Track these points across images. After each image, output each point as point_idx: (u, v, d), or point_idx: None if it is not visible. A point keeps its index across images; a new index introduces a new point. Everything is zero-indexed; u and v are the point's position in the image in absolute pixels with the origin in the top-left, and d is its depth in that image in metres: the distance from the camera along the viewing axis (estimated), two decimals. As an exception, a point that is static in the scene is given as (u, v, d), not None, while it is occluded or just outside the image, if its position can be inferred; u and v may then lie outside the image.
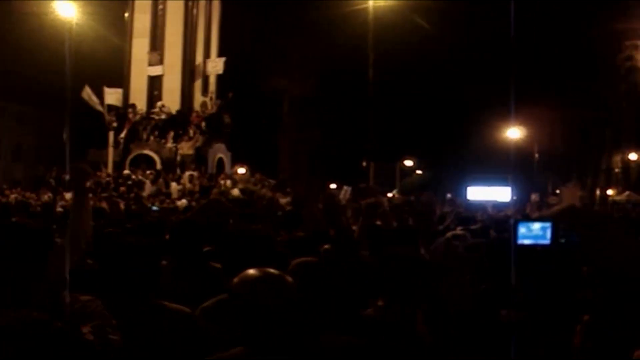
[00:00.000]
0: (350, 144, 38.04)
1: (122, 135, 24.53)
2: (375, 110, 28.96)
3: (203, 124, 24.53)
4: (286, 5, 36.38)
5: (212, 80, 27.31)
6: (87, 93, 24.97)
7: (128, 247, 3.30)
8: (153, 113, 24.66)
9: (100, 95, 25.35)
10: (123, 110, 25.02)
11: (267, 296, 2.48)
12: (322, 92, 37.75)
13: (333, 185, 21.59)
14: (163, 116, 24.37)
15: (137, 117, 24.63)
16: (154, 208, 12.71)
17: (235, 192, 19.81)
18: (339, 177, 26.30)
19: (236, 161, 26.58)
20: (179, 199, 18.13)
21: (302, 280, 3.45)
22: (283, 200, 14.34)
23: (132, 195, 18.44)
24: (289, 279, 2.58)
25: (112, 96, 25.46)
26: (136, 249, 3.30)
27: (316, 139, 38.50)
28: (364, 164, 32.21)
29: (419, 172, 55.46)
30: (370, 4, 29.22)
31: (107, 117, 25.02)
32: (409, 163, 53.86)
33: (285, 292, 2.53)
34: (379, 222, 7.32)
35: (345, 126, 38.44)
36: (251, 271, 2.56)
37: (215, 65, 26.41)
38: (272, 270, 2.58)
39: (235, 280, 2.57)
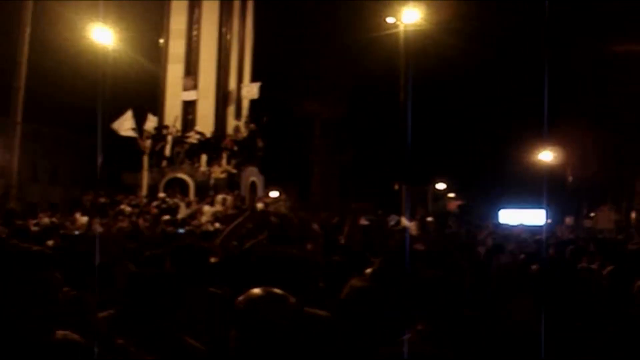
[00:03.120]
0: (382, 167, 38.07)
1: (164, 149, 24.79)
2: (408, 132, 28.95)
3: (236, 148, 24.75)
4: (318, 29, 36.70)
5: (245, 105, 27.60)
6: (120, 124, 25.36)
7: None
8: (187, 137, 24.94)
9: (141, 120, 25.70)
10: (158, 133, 25.35)
11: (270, 315, 2.54)
12: (353, 114, 37.91)
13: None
14: (195, 140, 24.63)
15: (171, 136, 24.92)
16: (180, 231, 12.78)
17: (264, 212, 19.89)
18: (370, 199, 26.31)
19: (269, 185, 26.74)
20: (212, 222, 18.26)
21: (355, 305, 3.51)
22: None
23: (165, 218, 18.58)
24: (292, 299, 2.63)
25: (150, 123, 25.83)
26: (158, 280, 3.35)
27: (348, 161, 38.58)
28: (396, 186, 32.17)
29: (450, 195, 55.21)
30: (401, 28, 29.36)
31: (141, 141, 25.33)
32: (440, 186, 53.66)
33: (288, 312, 2.58)
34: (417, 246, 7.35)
35: (377, 149, 38.50)
36: (256, 290, 2.62)
37: (250, 90, 26.71)
38: (276, 290, 2.64)
39: (241, 298, 2.64)
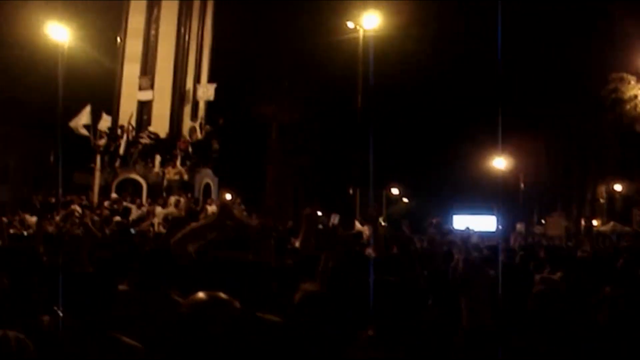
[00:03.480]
0: (337, 171, 38.22)
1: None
2: (362, 137, 29.13)
3: (190, 149, 24.57)
4: (277, 33, 36.68)
5: (202, 106, 27.42)
6: (78, 121, 24.99)
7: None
8: (141, 137, 24.66)
9: (95, 119, 25.35)
10: (112, 132, 25.04)
11: (213, 319, 2.54)
12: (310, 118, 37.97)
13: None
14: (149, 141, 24.38)
15: (125, 136, 24.63)
16: (132, 231, 12.66)
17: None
18: (325, 203, 26.35)
19: (223, 187, 26.61)
20: (165, 224, 18.07)
21: (308, 309, 3.52)
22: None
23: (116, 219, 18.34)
24: (237, 304, 2.63)
25: (104, 122, 25.51)
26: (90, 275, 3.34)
27: (303, 165, 38.61)
28: (351, 190, 32.35)
29: (405, 200, 55.67)
30: (360, 33, 29.58)
31: (94, 140, 24.98)
32: (395, 191, 54.08)
33: (232, 316, 2.58)
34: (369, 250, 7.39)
35: (332, 153, 38.63)
36: (200, 294, 2.62)
37: (206, 91, 26.53)
38: (221, 295, 2.63)
39: (185, 302, 2.64)
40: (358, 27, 29.73)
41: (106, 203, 21.99)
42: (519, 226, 40.67)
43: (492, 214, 36.02)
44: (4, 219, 18.42)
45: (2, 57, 32.58)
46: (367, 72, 29.22)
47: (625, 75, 37.41)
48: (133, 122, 25.37)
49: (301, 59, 36.90)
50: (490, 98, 33.97)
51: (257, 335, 3.11)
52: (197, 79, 27.49)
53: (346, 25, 30.54)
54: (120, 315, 3.46)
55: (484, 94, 37.83)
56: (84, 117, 25.18)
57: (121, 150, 24.55)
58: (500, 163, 43.08)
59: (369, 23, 29.67)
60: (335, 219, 18.05)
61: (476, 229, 22.20)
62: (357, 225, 19.78)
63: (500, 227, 31.24)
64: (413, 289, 4.39)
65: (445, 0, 39.91)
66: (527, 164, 44.92)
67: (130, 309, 3.75)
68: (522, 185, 46.02)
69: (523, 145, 41.08)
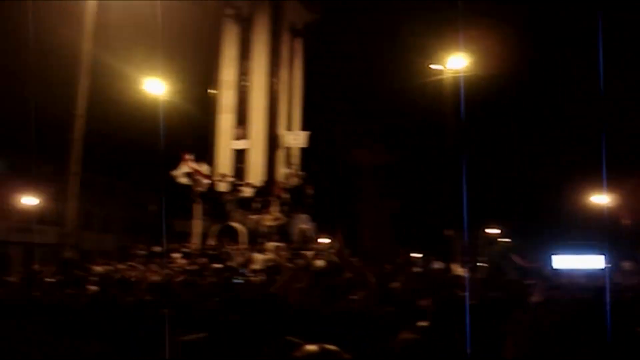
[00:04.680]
0: (432, 213, 37.82)
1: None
2: (457, 178, 28.79)
3: (286, 196, 24.92)
4: (364, 77, 37.05)
5: (294, 153, 27.91)
6: (179, 170, 25.74)
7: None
8: (239, 188, 25.21)
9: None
10: (210, 181, 25.69)
11: None
12: (401, 161, 37.92)
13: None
14: (248, 194, 24.93)
15: (225, 186, 25.24)
16: (238, 281, 12.87)
17: (319, 263, 19.84)
18: (421, 246, 26.11)
19: (320, 232, 26.74)
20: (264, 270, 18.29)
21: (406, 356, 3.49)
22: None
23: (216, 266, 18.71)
24: (347, 356, 2.63)
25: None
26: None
27: (397, 207, 38.43)
28: (447, 233, 31.87)
29: (502, 240, 54.29)
30: (447, 75, 29.49)
31: (194, 189, 25.64)
32: (492, 231, 52.90)
33: None
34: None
35: (427, 195, 38.31)
36: (311, 346, 2.64)
37: (299, 138, 27.03)
38: (330, 347, 2.64)
39: (297, 354, 2.66)
40: (443, 69, 29.64)
41: (206, 250, 22.49)
42: (627, 264, 38.82)
43: (597, 253, 34.50)
44: (112, 267, 19.21)
45: (101, 111, 34.14)
46: (457, 113, 29.01)
47: None
48: (230, 171, 26.07)
49: (391, 102, 37.05)
50: (586, 134, 32.99)
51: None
52: (289, 127, 28.07)
53: (430, 67, 30.50)
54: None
55: (580, 129, 36.85)
56: (184, 166, 25.96)
57: (219, 198, 25.17)
58: (603, 199, 41.53)
59: (456, 63, 29.56)
60: (434, 264, 17.82)
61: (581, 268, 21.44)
62: (456, 268, 19.47)
63: (608, 265, 29.95)
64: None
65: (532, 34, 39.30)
66: (632, 200, 43.10)
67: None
68: (626, 222, 44.14)
69: (625, 180, 39.56)
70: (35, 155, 43.77)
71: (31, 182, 42.41)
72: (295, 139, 27.20)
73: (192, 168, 25.26)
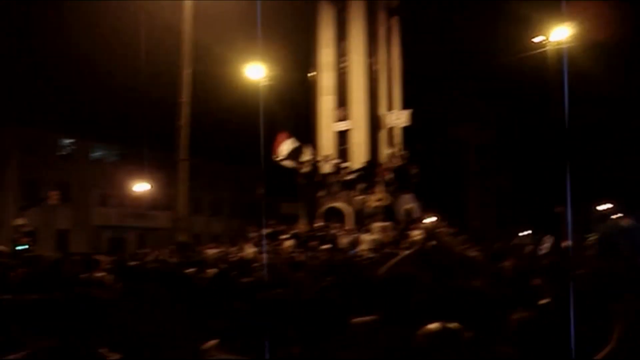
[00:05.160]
0: (540, 189, 36.81)
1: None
2: (566, 152, 27.86)
3: (390, 176, 24.94)
4: (465, 54, 36.42)
5: (397, 132, 27.85)
6: (283, 152, 26.17)
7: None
8: (342, 170, 25.42)
9: (297, 151, 26.51)
10: (315, 163, 26.00)
11: (448, 350, 2.61)
12: (507, 137, 37.09)
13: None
14: (350, 177, 25.08)
15: (329, 167, 25.52)
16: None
17: (427, 242, 19.79)
18: (530, 224, 25.54)
19: (425, 211, 26.60)
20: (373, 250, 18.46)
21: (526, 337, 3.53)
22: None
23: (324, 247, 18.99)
24: (468, 334, 2.68)
25: (306, 154, 26.56)
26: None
27: (505, 185, 37.63)
28: (557, 209, 30.95)
29: (614, 216, 52.17)
30: (549, 46, 28.46)
31: (299, 171, 26.05)
32: (603, 206, 50.93)
33: (465, 347, 2.63)
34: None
35: (534, 171, 37.31)
36: (434, 325, 2.70)
37: (401, 118, 26.92)
38: (453, 325, 2.70)
39: (418, 333, 2.73)
40: (546, 41, 28.55)
41: (313, 232, 22.85)
42: None
43: None
44: (223, 249, 19.90)
45: (206, 97, 34.97)
46: (562, 86, 27.97)
47: None
48: (333, 152, 26.35)
49: (493, 77, 36.24)
50: None
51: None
52: (389, 106, 27.99)
53: (534, 40, 29.50)
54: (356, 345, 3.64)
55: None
56: (287, 149, 26.39)
57: (324, 181, 25.50)
58: None
59: (560, 34, 28.43)
60: (547, 242, 17.39)
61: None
62: (566, 244, 18.94)
63: None
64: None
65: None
66: None
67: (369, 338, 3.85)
68: None
69: None
70: (146, 143, 45.70)
71: (143, 170, 44.22)
72: (398, 118, 27.11)
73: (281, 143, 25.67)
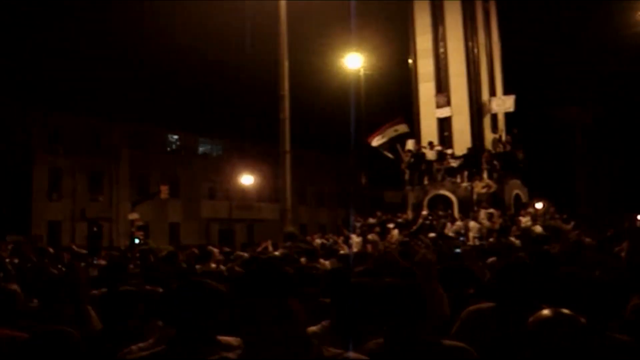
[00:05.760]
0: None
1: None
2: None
3: (496, 162, 24.56)
4: (565, 33, 35.25)
5: (501, 117, 27.35)
6: (382, 141, 26.23)
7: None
8: (446, 157, 25.20)
9: (399, 139, 26.49)
10: (418, 151, 25.91)
11: (559, 336, 2.66)
12: (616, 116, 35.62)
13: None
14: (455, 164, 24.84)
15: (433, 155, 25.37)
16: (457, 250, 12.93)
17: (538, 229, 19.49)
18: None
19: (533, 196, 26.00)
20: (480, 238, 18.38)
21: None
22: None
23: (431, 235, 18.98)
24: (583, 320, 2.71)
25: (410, 142, 26.51)
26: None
27: (617, 167, 36.12)
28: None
29: None
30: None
31: (403, 160, 26.02)
32: None
33: (577, 333, 2.67)
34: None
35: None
36: (545, 311, 2.76)
37: (505, 103, 26.36)
38: (565, 311, 2.74)
39: (531, 319, 2.78)
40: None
41: (420, 221, 22.82)
42: None
43: None
44: (330, 239, 20.22)
45: (306, 88, 35.37)
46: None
47: None
48: (436, 140, 26.20)
49: (597, 55, 34.93)
50: None
51: (605, 354, 3.22)
52: (492, 91, 27.50)
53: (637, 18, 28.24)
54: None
55: None
56: (387, 138, 26.40)
57: (428, 168, 25.39)
58: None
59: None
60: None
61: None
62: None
63: None
64: None
65: None
66: None
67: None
68: None
69: None
70: (249, 136, 46.80)
71: (248, 163, 45.30)
72: (502, 104, 26.55)
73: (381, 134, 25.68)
